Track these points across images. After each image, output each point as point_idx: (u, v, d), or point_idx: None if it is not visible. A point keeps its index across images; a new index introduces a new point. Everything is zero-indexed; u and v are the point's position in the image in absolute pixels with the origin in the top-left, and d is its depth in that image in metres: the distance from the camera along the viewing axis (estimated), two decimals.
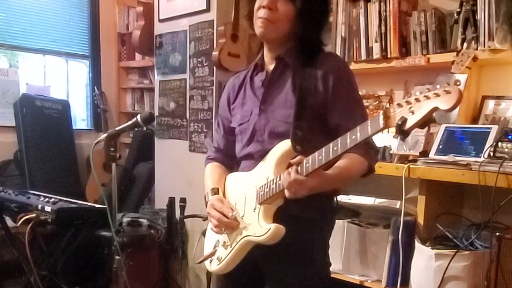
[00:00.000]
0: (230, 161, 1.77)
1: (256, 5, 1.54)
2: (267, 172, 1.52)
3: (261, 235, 1.46)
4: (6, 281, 3.03)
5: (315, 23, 1.56)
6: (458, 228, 2.02)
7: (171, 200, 3.24)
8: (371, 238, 2.23)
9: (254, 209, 1.53)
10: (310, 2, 1.51)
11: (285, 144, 1.48)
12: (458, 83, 1.08)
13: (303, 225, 1.55)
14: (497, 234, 1.72)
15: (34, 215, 2.27)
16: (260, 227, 1.48)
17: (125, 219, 3.25)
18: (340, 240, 2.30)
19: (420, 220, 2.08)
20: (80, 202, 2.58)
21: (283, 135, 1.51)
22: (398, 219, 2.07)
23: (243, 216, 1.57)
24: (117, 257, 2.01)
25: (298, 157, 1.37)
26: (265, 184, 1.50)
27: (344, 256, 2.30)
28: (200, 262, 1.72)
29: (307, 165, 1.35)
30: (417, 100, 1.11)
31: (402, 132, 1.12)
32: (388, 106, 1.18)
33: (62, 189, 3.42)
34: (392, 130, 1.18)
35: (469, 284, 1.83)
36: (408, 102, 1.12)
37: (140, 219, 3.30)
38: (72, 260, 3.11)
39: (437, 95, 1.07)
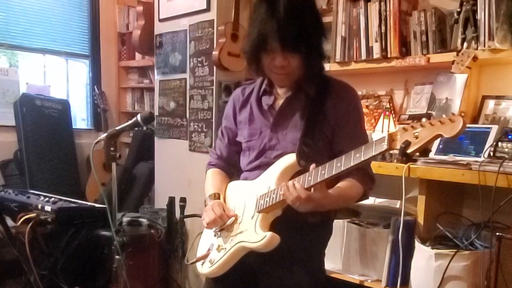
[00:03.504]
0: (231, 168, 1.80)
1: (267, 60, 1.55)
2: (269, 182, 1.55)
3: (256, 242, 1.49)
4: (6, 281, 3.03)
5: (319, 56, 1.58)
6: (458, 228, 2.02)
7: (171, 200, 3.24)
8: (371, 238, 2.22)
9: (252, 217, 1.55)
10: (311, 42, 1.52)
11: (290, 158, 1.53)
12: (463, 114, 1.14)
13: (303, 230, 1.57)
14: (497, 234, 1.71)
15: (34, 214, 2.27)
16: (255, 234, 1.50)
17: (125, 219, 3.25)
18: (340, 240, 2.30)
19: (420, 220, 2.08)
20: (80, 201, 2.57)
21: None
22: (398, 219, 2.07)
23: (240, 223, 1.59)
24: (117, 256, 2.01)
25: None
26: (265, 194, 1.53)
27: (344, 256, 2.30)
28: (192, 263, 1.72)
29: (310, 178, 1.39)
30: (422, 125, 1.17)
31: (405, 155, 1.18)
32: (393, 130, 1.25)
33: (62, 188, 3.44)
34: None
35: (469, 284, 1.82)
36: (413, 127, 1.19)
37: (140, 219, 3.30)
38: (72, 260, 3.12)
39: (442, 122, 1.14)
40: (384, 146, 1.22)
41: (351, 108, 1.61)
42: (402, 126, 1.22)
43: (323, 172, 1.36)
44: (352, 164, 1.30)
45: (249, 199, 1.60)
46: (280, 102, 1.65)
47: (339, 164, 1.33)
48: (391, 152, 2.27)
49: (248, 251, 1.54)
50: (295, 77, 1.58)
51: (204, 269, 1.66)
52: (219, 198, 1.69)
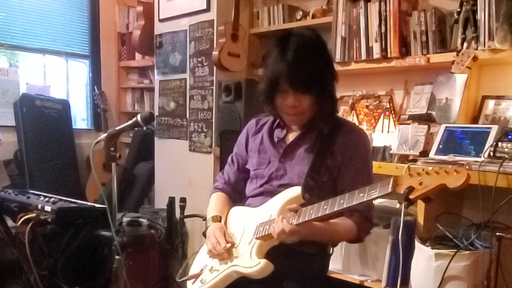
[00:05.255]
0: (236, 195, 1.85)
1: (280, 100, 1.60)
2: (271, 211, 1.58)
3: (249, 267, 1.51)
4: (6, 281, 3.03)
5: (330, 97, 1.64)
6: (458, 228, 2.02)
7: (171, 200, 3.24)
8: (371, 238, 2.22)
9: (250, 242, 1.58)
10: (321, 84, 1.57)
11: (296, 190, 1.56)
12: (467, 166, 1.15)
13: (299, 259, 1.59)
14: (497, 234, 1.71)
15: (34, 214, 2.28)
16: (250, 260, 1.53)
17: (125, 219, 3.25)
18: None
19: (420, 220, 2.08)
20: (80, 201, 2.58)
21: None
22: (398, 219, 2.07)
23: (237, 246, 1.62)
24: (117, 257, 2.00)
25: (295, 205, 1.47)
26: (266, 222, 1.55)
27: (344, 256, 2.30)
28: (183, 280, 1.75)
29: (311, 211, 1.42)
30: (428, 173, 1.18)
31: (408, 200, 1.19)
32: (399, 175, 1.26)
33: (62, 188, 3.43)
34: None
35: (469, 284, 1.82)
36: (418, 174, 1.20)
37: (140, 219, 3.30)
38: (72, 260, 3.11)
39: (447, 172, 1.15)
40: (389, 189, 1.24)
41: (360, 149, 1.64)
42: (408, 171, 1.23)
43: (331, 204, 1.38)
44: (355, 203, 1.32)
45: (249, 225, 1.62)
46: (292, 136, 1.70)
47: (342, 201, 1.35)
48: (391, 152, 2.28)
49: (240, 276, 1.56)
50: (306, 118, 1.63)
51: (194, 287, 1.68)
52: (220, 221, 1.72)
